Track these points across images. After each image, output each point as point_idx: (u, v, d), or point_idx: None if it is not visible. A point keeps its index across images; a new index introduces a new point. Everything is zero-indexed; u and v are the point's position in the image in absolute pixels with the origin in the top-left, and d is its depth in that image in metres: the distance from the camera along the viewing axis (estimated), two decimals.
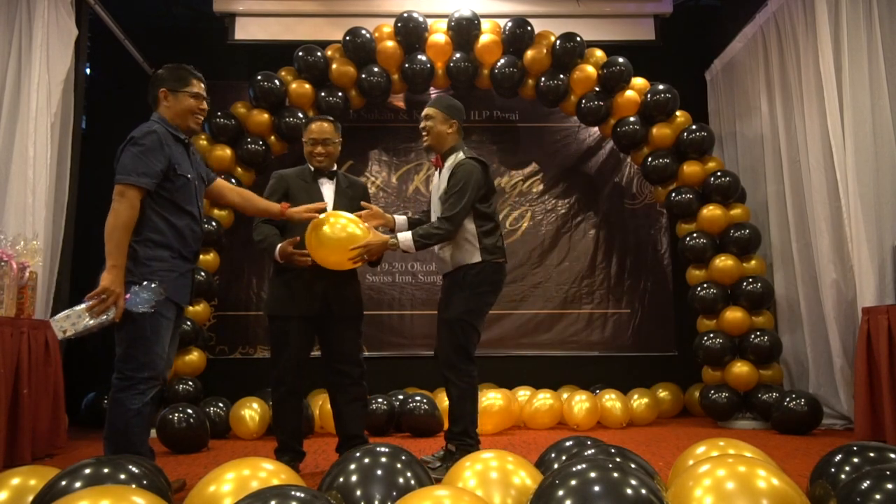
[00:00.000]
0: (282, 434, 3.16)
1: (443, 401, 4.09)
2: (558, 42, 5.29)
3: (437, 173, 3.31)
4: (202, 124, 2.86)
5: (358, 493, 1.62)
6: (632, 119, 5.34)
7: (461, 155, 3.17)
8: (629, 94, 5.32)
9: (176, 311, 2.67)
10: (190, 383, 4.71)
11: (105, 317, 2.42)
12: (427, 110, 3.23)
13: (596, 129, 6.01)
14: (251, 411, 4.58)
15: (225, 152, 5.09)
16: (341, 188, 3.24)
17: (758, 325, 4.89)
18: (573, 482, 1.39)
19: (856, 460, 1.78)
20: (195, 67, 2.89)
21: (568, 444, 2.03)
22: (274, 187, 3.17)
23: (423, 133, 3.23)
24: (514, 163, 6.31)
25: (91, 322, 2.41)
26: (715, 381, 4.96)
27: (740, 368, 4.77)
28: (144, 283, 2.47)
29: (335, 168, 3.27)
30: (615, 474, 1.40)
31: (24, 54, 4.21)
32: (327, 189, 3.21)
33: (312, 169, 3.22)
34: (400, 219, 3.31)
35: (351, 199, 3.22)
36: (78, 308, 2.42)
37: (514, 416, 4.86)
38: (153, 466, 1.84)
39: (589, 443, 1.99)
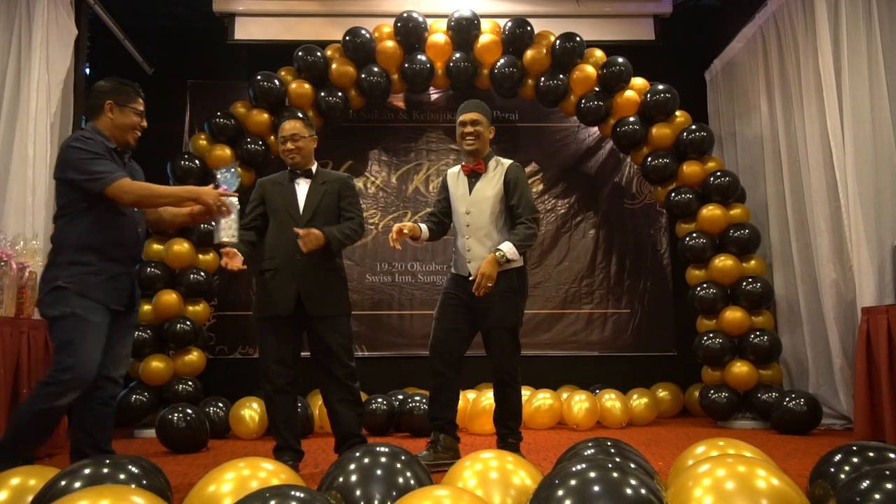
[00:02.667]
0: (277, 433, 3.16)
1: None
2: (558, 42, 5.29)
3: (463, 177, 3.28)
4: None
5: (358, 493, 1.62)
6: (631, 119, 5.34)
7: (503, 159, 3.28)
8: (629, 94, 5.32)
9: (110, 314, 2.65)
10: (189, 383, 4.71)
11: (228, 219, 2.77)
12: (474, 115, 3.20)
13: (596, 129, 6.01)
14: (251, 411, 4.58)
15: (224, 152, 5.09)
16: (316, 185, 3.22)
17: (757, 325, 4.89)
18: (573, 482, 1.39)
19: (855, 460, 1.78)
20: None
21: (588, 444, 2.00)
22: (254, 195, 3.25)
23: (472, 138, 3.20)
24: None
25: (222, 231, 2.77)
26: (714, 381, 4.96)
27: (740, 368, 4.78)
28: (224, 168, 2.84)
29: (313, 167, 3.26)
30: (615, 474, 1.40)
31: (24, 54, 4.21)
32: (301, 188, 3.22)
33: (288, 171, 3.25)
34: (424, 227, 3.30)
35: (325, 195, 3.20)
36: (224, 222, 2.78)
37: None
38: (153, 466, 1.84)
39: (609, 444, 1.97)
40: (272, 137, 5.26)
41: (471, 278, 3.07)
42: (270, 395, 3.14)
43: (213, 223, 2.82)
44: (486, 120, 3.23)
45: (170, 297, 4.74)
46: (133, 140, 2.80)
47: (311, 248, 2.96)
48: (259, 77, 5.16)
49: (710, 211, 5.07)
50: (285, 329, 3.12)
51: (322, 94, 5.27)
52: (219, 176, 2.88)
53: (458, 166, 3.35)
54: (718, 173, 5.12)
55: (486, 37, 5.32)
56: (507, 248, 3.02)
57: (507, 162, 3.25)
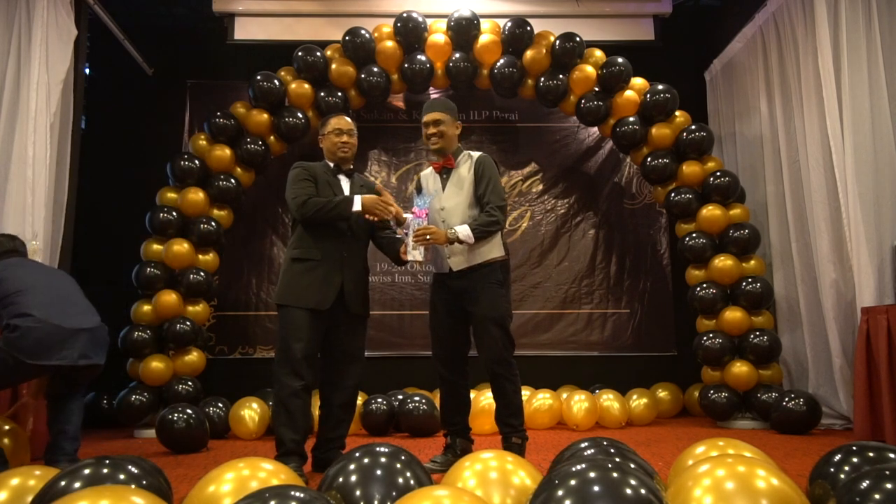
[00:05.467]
0: (294, 435, 2.95)
1: None
2: (558, 42, 5.29)
3: (435, 175, 3.30)
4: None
5: (358, 493, 1.62)
6: (631, 119, 5.34)
7: (473, 153, 3.26)
8: (629, 94, 5.32)
9: None
10: (189, 383, 4.71)
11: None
12: (436, 115, 3.19)
13: (595, 129, 6.01)
14: (251, 411, 4.58)
15: (224, 152, 5.08)
16: (356, 186, 3.26)
17: (757, 325, 4.89)
18: (573, 482, 1.39)
19: (855, 460, 1.78)
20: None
21: (583, 444, 2.00)
22: (303, 175, 3.12)
23: (436, 138, 3.20)
24: (514, 163, 6.31)
25: (410, 253, 3.05)
26: (714, 381, 4.96)
27: (740, 368, 4.78)
28: (427, 194, 3.19)
29: (351, 166, 3.29)
30: (614, 474, 1.40)
31: (24, 54, 4.21)
32: (345, 185, 3.23)
33: (332, 165, 3.24)
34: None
35: None
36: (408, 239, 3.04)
37: None
38: (153, 466, 1.85)
39: (605, 443, 1.97)
40: (272, 137, 5.27)
41: (454, 270, 3.12)
42: (299, 393, 2.95)
43: (405, 243, 3.05)
44: (449, 117, 3.21)
45: (169, 298, 4.74)
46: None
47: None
48: (259, 77, 5.16)
49: (710, 211, 5.07)
50: (317, 323, 3.03)
51: (322, 94, 5.27)
52: (416, 199, 3.12)
53: (430, 167, 3.37)
54: (718, 173, 5.12)
55: (486, 37, 5.32)
56: (462, 229, 3.02)
57: (476, 154, 3.25)
